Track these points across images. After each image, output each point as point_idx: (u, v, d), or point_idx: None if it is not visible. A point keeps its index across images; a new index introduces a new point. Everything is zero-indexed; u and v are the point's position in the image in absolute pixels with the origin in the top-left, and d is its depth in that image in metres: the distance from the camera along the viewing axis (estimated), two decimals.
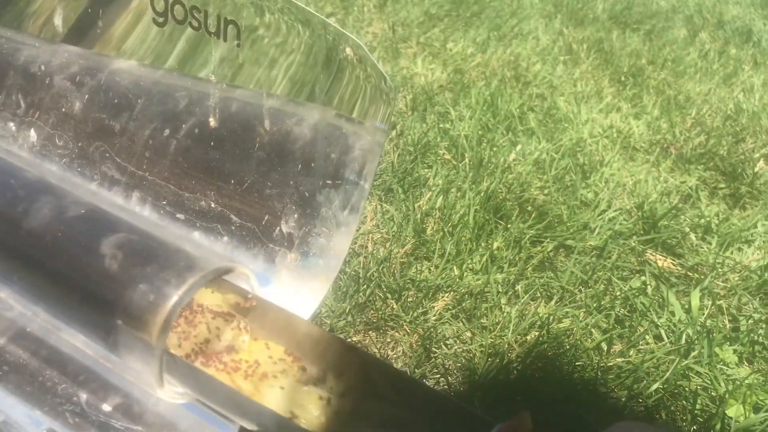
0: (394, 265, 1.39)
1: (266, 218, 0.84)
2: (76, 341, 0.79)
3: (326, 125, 0.82)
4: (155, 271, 0.65)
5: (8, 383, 0.79)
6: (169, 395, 0.67)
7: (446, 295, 1.32)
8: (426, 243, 1.49)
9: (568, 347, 1.26)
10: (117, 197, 0.94)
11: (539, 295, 1.42)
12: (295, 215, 0.82)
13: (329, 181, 0.79)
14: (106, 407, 0.76)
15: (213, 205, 0.87)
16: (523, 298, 1.37)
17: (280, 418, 0.59)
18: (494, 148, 1.92)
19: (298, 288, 0.82)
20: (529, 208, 1.69)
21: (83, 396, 0.77)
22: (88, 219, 0.70)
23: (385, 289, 1.31)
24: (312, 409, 0.57)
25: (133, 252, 0.66)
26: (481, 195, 1.67)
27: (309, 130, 0.83)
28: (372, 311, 1.27)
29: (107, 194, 0.95)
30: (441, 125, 2.02)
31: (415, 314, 1.27)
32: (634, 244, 1.63)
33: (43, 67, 0.96)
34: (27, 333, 0.82)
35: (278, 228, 0.83)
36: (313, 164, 0.80)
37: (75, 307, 0.68)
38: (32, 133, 1.00)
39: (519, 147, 1.94)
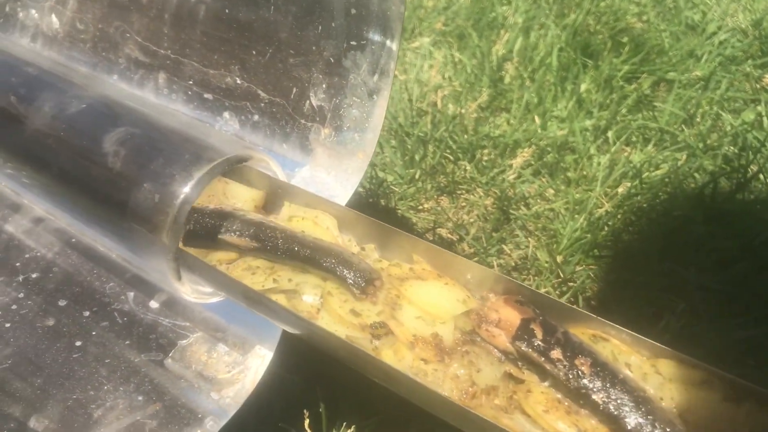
0: (466, 121, 1.27)
1: (294, 91, 0.75)
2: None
3: None
4: (160, 166, 0.59)
5: (59, 284, 0.79)
6: (194, 295, 0.63)
7: (526, 150, 1.21)
8: (503, 93, 1.35)
9: (665, 197, 1.13)
10: (146, 81, 0.88)
11: (634, 139, 1.27)
12: (324, 85, 0.73)
13: (353, 43, 0.69)
14: (154, 304, 0.74)
15: (239, 81, 0.79)
16: (615, 144, 1.23)
17: (298, 319, 0.54)
18: None
19: (335, 167, 0.74)
20: (624, 39, 1.49)
21: (131, 294, 0.76)
22: (89, 114, 0.64)
23: (457, 150, 1.20)
24: None
25: (136, 147, 0.60)
26: (567, 30, 1.48)
27: None
28: (443, 175, 1.18)
29: (133, 79, 0.89)
30: None
31: (491, 174, 1.17)
32: (749, 69, 1.41)
33: None
34: (74, 243, 0.80)
35: (308, 101, 0.74)
36: (333, 24, 0.69)
37: (89, 209, 0.63)
38: (54, 20, 0.95)
39: None
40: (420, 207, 1.14)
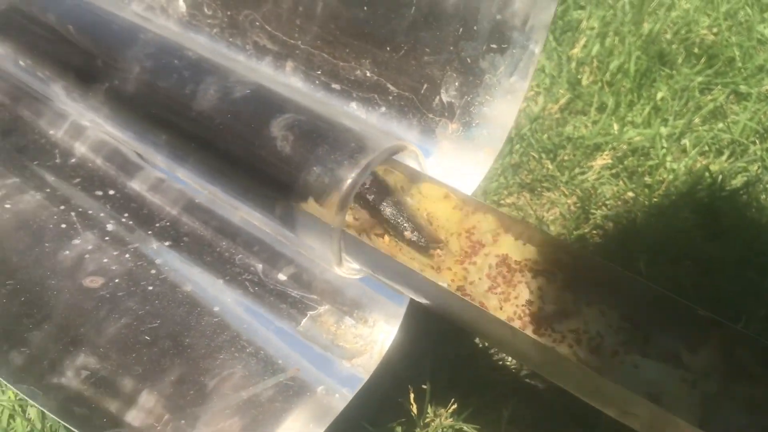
0: (547, 122, 1.32)
1: (425, 87, 0.80)
2: (240, 212, 0.82)
3: None
4: (327, 152, 0.64)
5: (191, 253, 0.83)
6: (347, 272, 0.68)
7: (605, 152, 1.25)
8: (581, 96, 1.39)
9: (741, 205, 1.17)
10: (269, 68, 0.93)
11: (706, 149, 1.31)
12: (456, 83, 0.78)
13: (494, 45, 0.74)
14: (282, 276, 0.79)
15: (369, 74, 0.84)
16: (691, 152, 1.27)
17: (451, 295, 0.59)
18: None
19: (460, 159, 0.79)
20: (696, 50, 1.53)
21: (259, 266, 0.81)
22: (254, 99, 0.70)
23: (539, 148, 1.25)
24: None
25: (303, 133, 0.66)
26: (643, 38, 1.51)
27: None
28: (525, 172, 1.22)
29: (259, 65, 0.94)
30: None
31: (571, 174, 1.22)
32: None
33: None
34: (196, 204, 0.85)
35: (438, 97, 0.79)
36: (475, 27, 0.74)
37: (251, 188, 0.69)
38: (180, 3, 0.99)
39: None
40: (502, 202, 1.19)
